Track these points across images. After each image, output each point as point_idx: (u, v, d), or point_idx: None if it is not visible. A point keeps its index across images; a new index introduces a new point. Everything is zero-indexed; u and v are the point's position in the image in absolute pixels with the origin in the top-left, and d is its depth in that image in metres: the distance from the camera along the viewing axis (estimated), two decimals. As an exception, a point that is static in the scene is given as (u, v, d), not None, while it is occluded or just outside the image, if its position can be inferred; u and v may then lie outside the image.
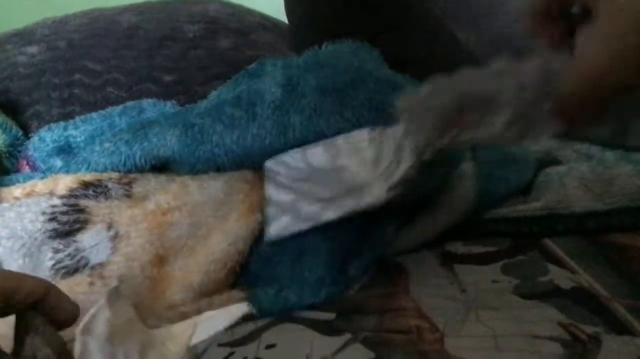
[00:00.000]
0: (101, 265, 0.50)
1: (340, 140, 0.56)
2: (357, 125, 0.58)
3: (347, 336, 0.46)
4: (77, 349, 0.30)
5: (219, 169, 0.60)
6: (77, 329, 0.30)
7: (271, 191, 0.55)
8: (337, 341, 0.45)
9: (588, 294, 0.48)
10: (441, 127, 0.38)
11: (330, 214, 0.52)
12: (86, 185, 0.56)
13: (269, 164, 0.57)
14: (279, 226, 0.53)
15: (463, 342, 0.43)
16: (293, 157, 0.56)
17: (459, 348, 0.42)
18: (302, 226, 0.52)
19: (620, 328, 0.42)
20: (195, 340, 0.33)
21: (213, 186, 0.58)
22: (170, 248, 0.53)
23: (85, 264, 0.50)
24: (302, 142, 0.58)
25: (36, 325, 0.29)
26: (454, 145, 0.41)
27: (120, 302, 0.32)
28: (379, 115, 0.58)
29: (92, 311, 0.31)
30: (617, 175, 0.62)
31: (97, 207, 0.54)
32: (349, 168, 0.54)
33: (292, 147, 0.58)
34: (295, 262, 0.54)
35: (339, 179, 0.54)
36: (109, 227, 0.52)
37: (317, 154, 0.56)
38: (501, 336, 0.43)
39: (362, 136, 0.55)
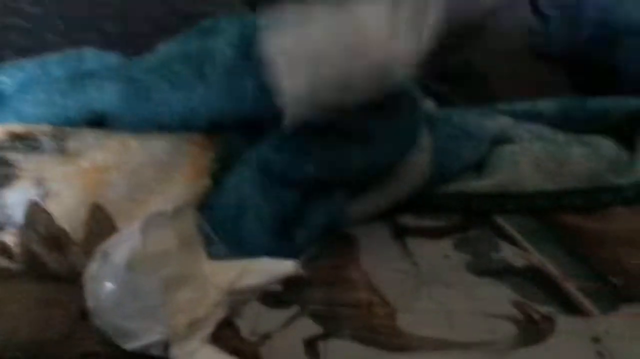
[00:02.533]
0: (29, 225, 0.46)
1: None
2: None
3: (294, 309, 0.43)
4: (89, 270, 0.27)
5: (162, 130, 0.56)
6: (97, 249, 0.27)
7: None
8: (284, 314, 0.43)
9: (541, 273, 0.47)
10: None
11: None
12: (15, 137, 0.51)
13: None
14: None
15: (415, 318, 0.42)
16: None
17: (411, 324, 0.41)
18: None
19: (573, 309, 0.42)
20: (237, 286, 0.30)
21: (156, 146, 0.54)
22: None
23: (11, 224, 0.46)
24: (255, 110, 0.55)
25: None
26: None
27: (160, 230, 0.28)
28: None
29: (120, 234, 0.27)
30: (569, 156, 0.62)
31: (25, 162, 0.49)
32: None
33: (243, 113, 0.55)
34: (238, 229, 0.51)
35: None
36: (38, 184, 0.48)
37: None
38: (454, 313, 0.42)
39: None
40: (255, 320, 0.40)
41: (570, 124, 0.70)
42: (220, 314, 0.29)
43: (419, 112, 0.61)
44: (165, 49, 0.64)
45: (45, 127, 0.53)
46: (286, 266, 0.30)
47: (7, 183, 0.47)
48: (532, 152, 0.63)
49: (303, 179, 0.54)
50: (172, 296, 0.28)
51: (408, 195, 0.61)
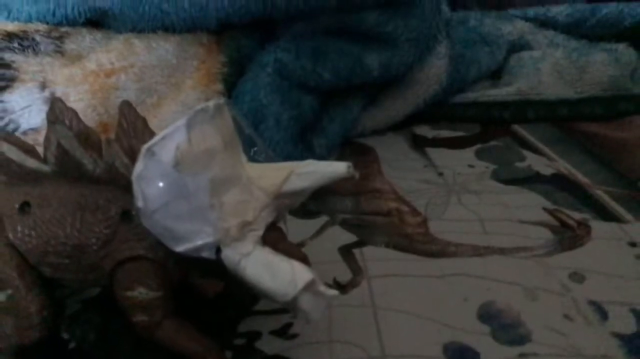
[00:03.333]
0: (36, 131, 0.42)
1: None
2: None
3: (323, 218, 0.42)
4: (136, 170, 0.24)
5: (167, 30, 0.52)
6: (142, 147, 0.24)
7: None
8: (314, 223, 0.41)
9: (569, 181, 0.47)
10: None
11: None
12: (9, 36, 0.46)
13: None
14: None
15: (448, 225, 0.41)
16: None
17: (445, 231, 0.40)
18: None
19: (607, 215, 0.41)
20: (284, 189, 0.27)
21: (163, 47, 0.50)
22: (115, 116, 0.46)
23: (15, 129, 0.42)
24: (266, 8, 0.51)
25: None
26: None
27: (206, 126, 0.26)
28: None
29: (165, 131, 0.24)
30: (591, 63, 0.60)
31: (25, 64, 0.45)
32: None
33: (255, 12, 0.51)
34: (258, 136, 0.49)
35: None
36: (43, 87, 0.44)
37: None
38: (487, 220, 0.41)
39: None
40: (285, 230, 0.39)
41: (584, 30, 0.68)
42: (268, 217, 0.27)
43: (438, 11, 0.58)
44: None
45: (41, 26, 0.49)
46: (338, 168, 0.27)
47: (8, 86, 0.43)
48: (554, 58, 0.61)
49: (320, 85, 0.52)
50: (221, 198, 0.26)
51: (425, 103, 0.58)
